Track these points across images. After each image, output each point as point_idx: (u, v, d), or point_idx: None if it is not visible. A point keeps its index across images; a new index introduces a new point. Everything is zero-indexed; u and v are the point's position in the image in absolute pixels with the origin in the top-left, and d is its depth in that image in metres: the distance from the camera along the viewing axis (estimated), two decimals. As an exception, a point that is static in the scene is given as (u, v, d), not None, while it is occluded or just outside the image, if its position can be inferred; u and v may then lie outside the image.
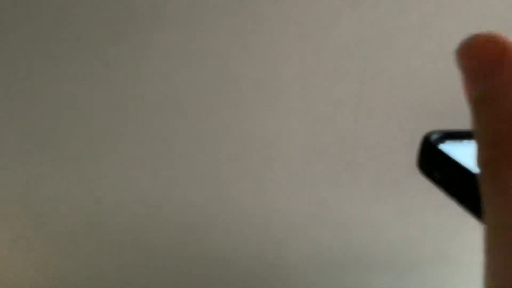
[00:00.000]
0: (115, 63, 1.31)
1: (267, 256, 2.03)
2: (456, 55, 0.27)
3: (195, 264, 2.11)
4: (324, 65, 1.31)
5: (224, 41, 1.25)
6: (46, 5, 1.17)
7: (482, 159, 0.25)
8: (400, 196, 1.71)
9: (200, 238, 1.94)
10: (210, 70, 1.32)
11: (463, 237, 1.86)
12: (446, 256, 1.99)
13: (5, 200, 1.77)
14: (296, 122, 1.46)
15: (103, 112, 1.44)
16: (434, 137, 0.29)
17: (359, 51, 1.27)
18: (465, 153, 0.28)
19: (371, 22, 1.21)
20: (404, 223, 1.83)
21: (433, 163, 0.28)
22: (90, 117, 1.45)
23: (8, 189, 1.72)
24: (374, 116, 1.44)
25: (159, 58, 1.30)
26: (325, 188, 1.68)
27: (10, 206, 1.80)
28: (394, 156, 1.56)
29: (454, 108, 1.37)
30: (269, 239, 1.94)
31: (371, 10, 1.19)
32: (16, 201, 1.78)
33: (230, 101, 1.40)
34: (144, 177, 1.66)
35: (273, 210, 1.79)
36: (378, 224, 1.84)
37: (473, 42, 0.26)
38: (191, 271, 2.15)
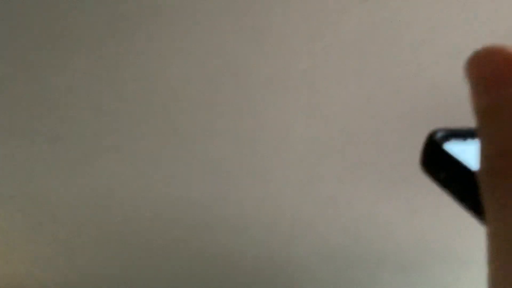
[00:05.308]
0: (121, 58, 1.31)
1: (275, 253, 2.03)
2: (465, 67, 0.27)
3: (203, 262, 2.11)
4: (332, 62, 1.30)
5: (232, 39, 1.25)
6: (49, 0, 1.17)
7: (483, 170, 0.25)
8: (409, 194, 1.71)
9: (208, 235, 1.94)
10: (218, 67, 1.32)
11: (472, 235, 1.85)
12: (455, 254, 1.98)
13: (6, 198, 1.78)
14: (304, 120, 1.46)
15: (107, 108, 1.44)
16: (439, 135, 0.28)
17: (367, 49, 1.27)
18: (470, 154, 0.27)
19: (380, 20, 1.20)
20: (412, 220, 1.82)
21: (438, 163, 0.28)
22: (96, 114, 1.45)
23: (7, 186, 1.72)
24: (383, 113, 1.44)
25: (166, 54, 1.30)
26: (334, 186, 1.68)
27: (10, 204, 1.81)
28: (402, 154, 1.56)
29: (463, 106, 1.36)
30: (278, 237, 1.94)
31: (380, 7, 1.18)
32: (15, 199, 1.78)
33: (238, 98, 1.40)
34: (150, 174, 1.66)
35: (281, 208, 1.79)
36: (386, 222, 1.83)
37: (482, 54, 0.27)
38: (199, 268, 2.15)
